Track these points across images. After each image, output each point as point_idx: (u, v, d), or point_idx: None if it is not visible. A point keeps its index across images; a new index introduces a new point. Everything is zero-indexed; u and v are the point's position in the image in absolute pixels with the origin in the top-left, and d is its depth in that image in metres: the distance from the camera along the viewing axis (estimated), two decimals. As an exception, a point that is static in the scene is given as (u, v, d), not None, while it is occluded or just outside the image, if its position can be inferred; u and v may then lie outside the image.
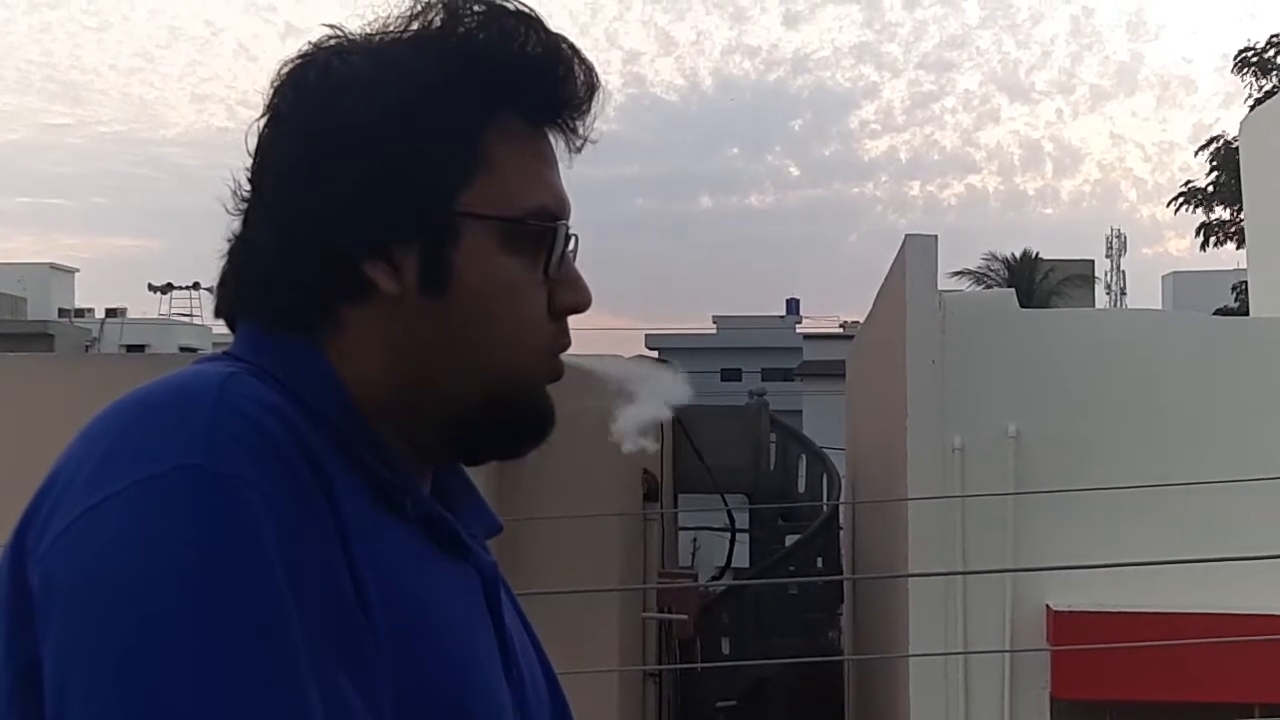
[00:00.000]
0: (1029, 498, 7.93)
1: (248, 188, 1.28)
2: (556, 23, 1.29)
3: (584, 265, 1.35)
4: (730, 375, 42.43)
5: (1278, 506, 7.75)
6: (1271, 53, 30.80)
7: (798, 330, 48.85)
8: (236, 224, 1.28)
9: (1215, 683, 7.91)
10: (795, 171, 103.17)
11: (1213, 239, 32.15)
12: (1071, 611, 8.20)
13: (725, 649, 14.91)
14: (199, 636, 0.99)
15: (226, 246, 1.29)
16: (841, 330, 40.33)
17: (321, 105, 1.23)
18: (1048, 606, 8.27)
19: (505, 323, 1.26)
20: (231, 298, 1.29)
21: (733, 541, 15.91)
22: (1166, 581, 7.66)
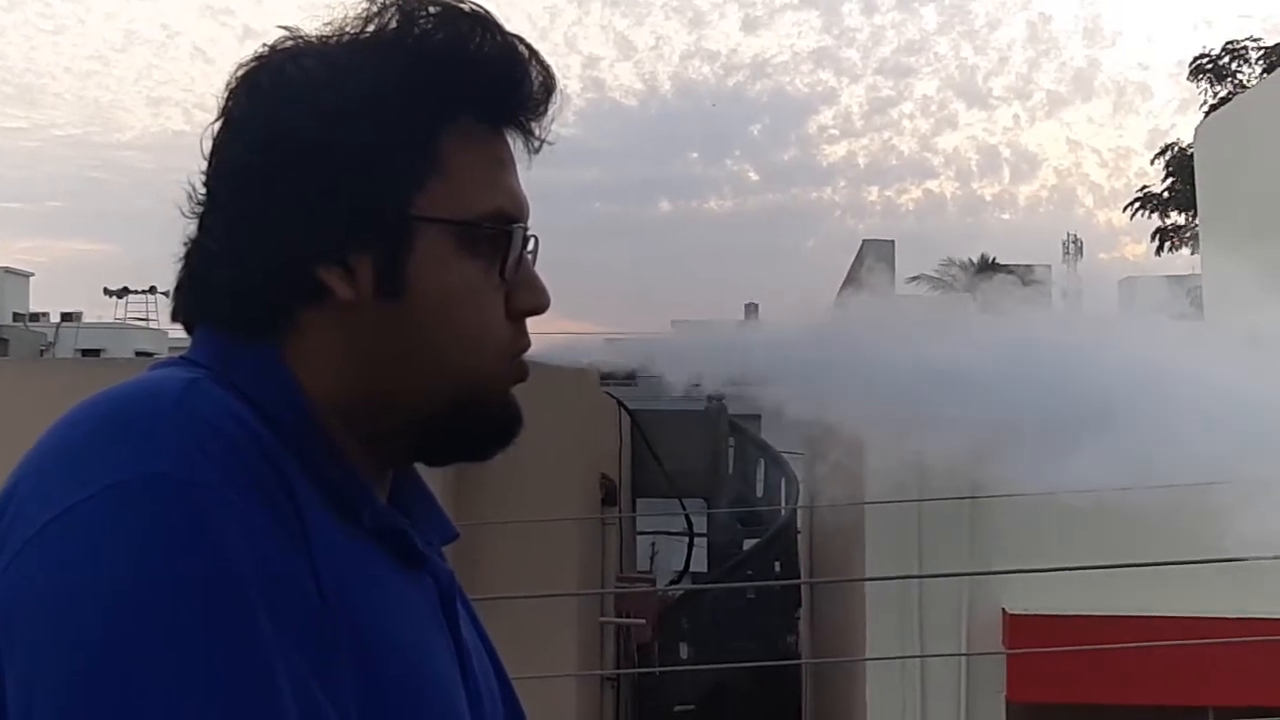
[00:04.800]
0: (986, 501, 7.96)
1: (203, 192, 1.27)
2: (515, 27, 1.28)
3: (543, 268, 1.34)
4: (689, 379, 42.29)
5: (1232, 511, 7.80)
6: (1227, 59, 31.05)
7: (756, 335, 48.84)
8: (192, 228, 1.27)
9: (1170, 686, 7.95)
10: (754, 176, 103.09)
11: (1168, 244, 32.38)
12: (1027, 615, 8.23)
13: (684, 653, 14.91)
14: (172, 648, 0.98)
15: (183, 251, 1.28)
16: (799, 335, 40.24)
17: (274, 109, 1.23)
18: (1003, 610, 8.30)
19: (463, 326, 1.26)
20: (188, 302, 1.28)
21: (691, 546, 15.90)
22: (1121, 586, 7.70)
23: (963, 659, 8.33)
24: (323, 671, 1.07)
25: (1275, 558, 6.37)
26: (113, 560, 1.00)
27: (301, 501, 1.12)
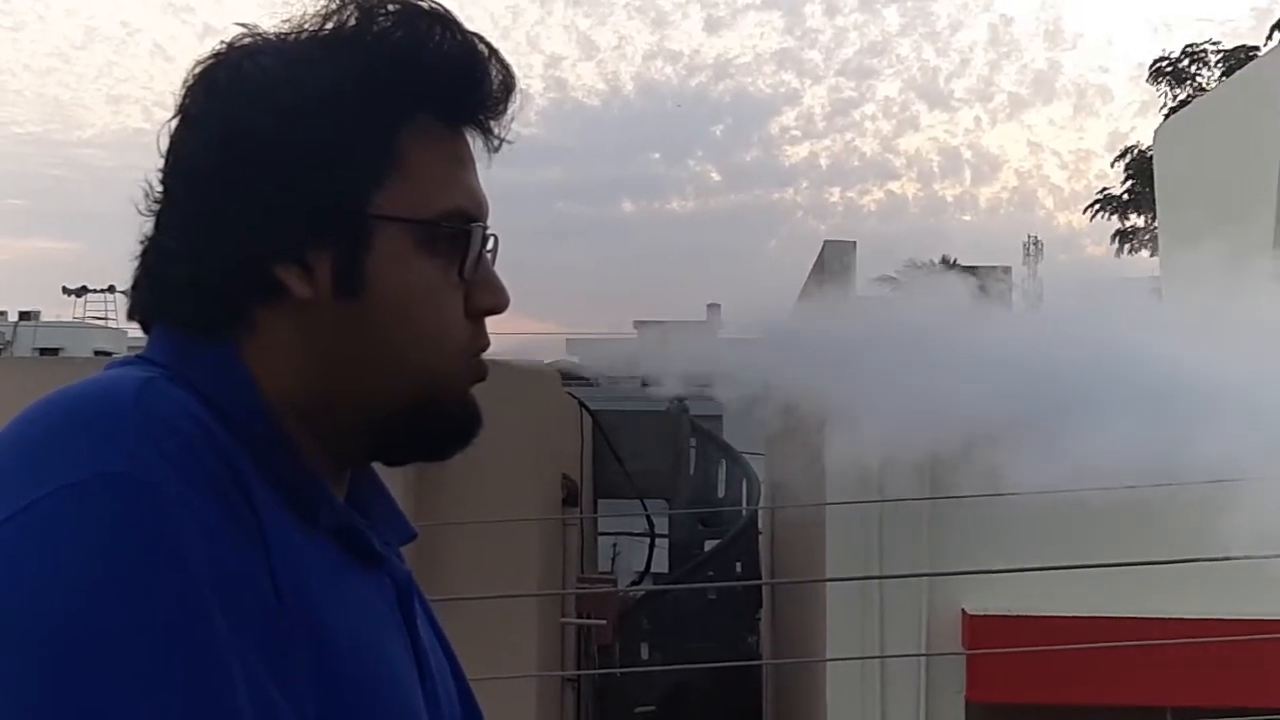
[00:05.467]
0: (945, 502, 7.98)
1: (160, 190, 1.26)
2: (477, 26, 1.28)
3: (505, 268, 1.34)
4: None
5: (1190, 512, 7.84)
6: (1186, 63, 31.25)
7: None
8: (149, 226, 1.26)
9: (1127, 686, 7.99)
10: (716, 177, 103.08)
11: (1128, 246, 32.57)
12: (986, 615, 8.25)
13: (644, 654, 14.90)
14: (131, 648, 0.97)
15: (140, 249, 1.27)
16: (762, 336, 40.24)
17: (232, 107, 1.22)
18: (963, 610, 8.32)
19: (421, 325, 1.25)
20: (144, 300, 1.27)
21: (652, 547, 15.90)
22: (1080, 586, 7.73)
23: (922, 659, 8.35)
24: (279, 671, 1.06)
25: (1233, 559, 6.42)
26: (72, 559, 0.99)
27: (258, 500, 1.12)
